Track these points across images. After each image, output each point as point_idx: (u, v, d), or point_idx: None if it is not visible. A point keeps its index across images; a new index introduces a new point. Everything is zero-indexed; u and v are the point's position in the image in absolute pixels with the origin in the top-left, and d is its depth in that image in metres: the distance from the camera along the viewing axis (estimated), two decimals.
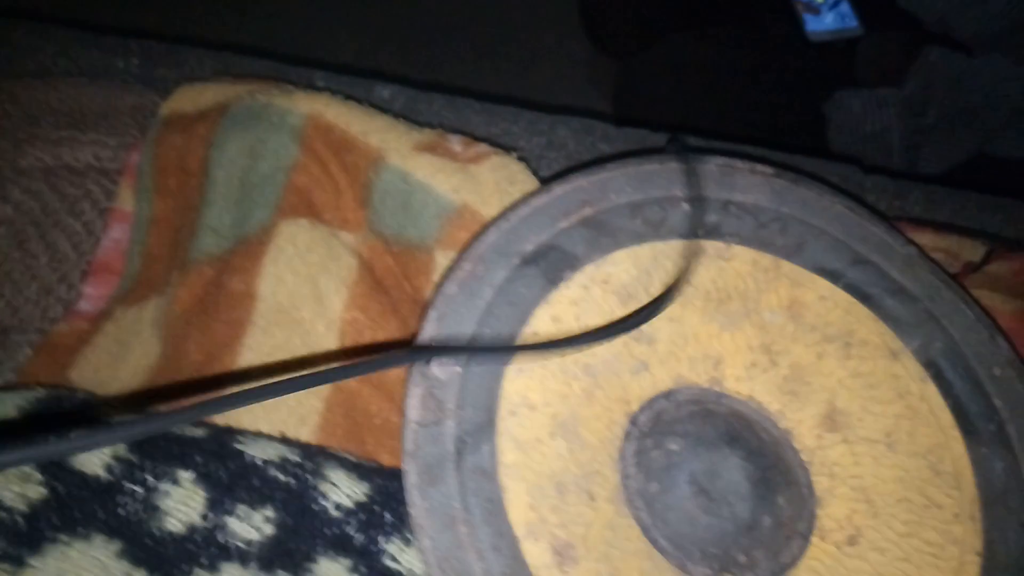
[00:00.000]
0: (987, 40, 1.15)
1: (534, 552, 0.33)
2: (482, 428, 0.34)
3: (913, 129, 1.13)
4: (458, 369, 0.35)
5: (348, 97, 0.55)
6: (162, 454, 0.36)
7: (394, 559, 0.36)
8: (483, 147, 0.48)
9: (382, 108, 0.57)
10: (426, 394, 0.34)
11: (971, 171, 1.18)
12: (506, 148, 0.57)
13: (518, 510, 0.34)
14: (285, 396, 0.41)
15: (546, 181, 0.42)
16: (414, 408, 0.34)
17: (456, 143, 0.47)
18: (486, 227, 0.39)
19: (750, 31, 1.24)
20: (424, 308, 0.37)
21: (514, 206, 0.40)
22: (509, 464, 0.35)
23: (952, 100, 1.13)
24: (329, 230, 0.46)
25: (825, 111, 1.19)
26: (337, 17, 1.13)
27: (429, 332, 0.36)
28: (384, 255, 0.46)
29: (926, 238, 0.50)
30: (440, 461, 0.33)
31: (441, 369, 0.35)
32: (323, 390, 0.42)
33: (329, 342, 0.43)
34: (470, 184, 0.45)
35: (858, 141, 1.15)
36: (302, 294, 0.44)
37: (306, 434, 0.41)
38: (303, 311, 0.43)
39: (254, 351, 0.42)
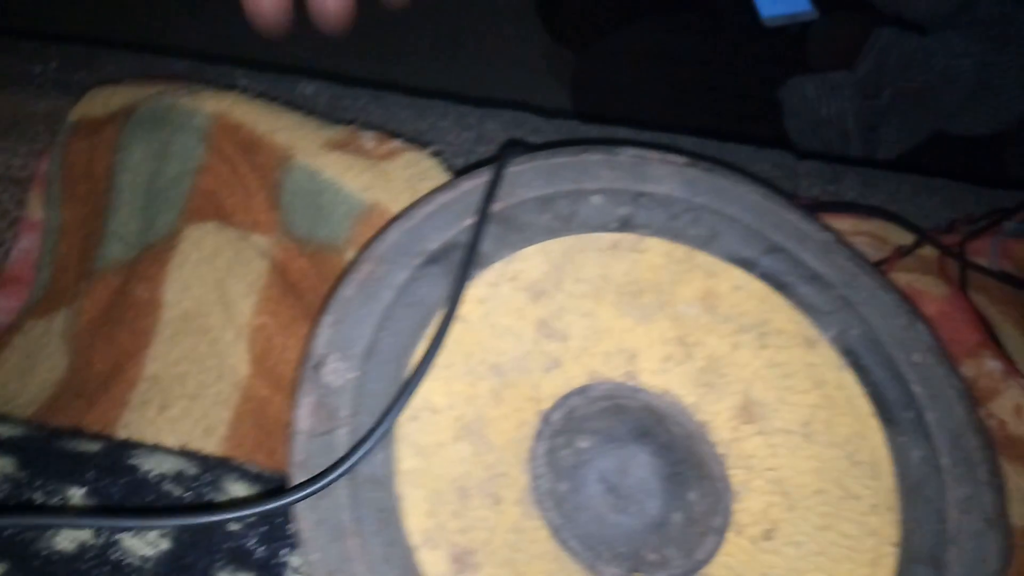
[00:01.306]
0: (940, 18, 1.14)
1: (431, 561, 0.32)
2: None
3: (868, 112, 1.12)
4: (353, 375, 0.34)
5: (263, 95, 0.53)
6: (53, 471, 0.35)
7: (296, 571, 0.35)
8: (396, 143, 0.46)
9: (304, 106, 0.56)
10: (318, 403, 0.33)
11: (929, 153, 1.18)
12: (426, 144, 0.56)
13: (415, 518, 0.33)
14: (191, 408, 0.41)
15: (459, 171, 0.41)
16: (304, 418, 0.33)
17: (369, 140, 0.46)
18: (387, 225, 0.38)
19: (706, 18, 1.23)
20: (318, 313, 0.36)
21: (418, 203, 0.39)
22: (407, 471, 0.34)
23: (906, 80, 1.12)
24: (239, 233, 0.44)
25: (780, 97, 1.18)
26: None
27: (323, 338, 0.35)
28: (298, 257, 0.45)
29: (849, 223, 0.49)
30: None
31: (334, 376, 0.34)
32: (232, 399, 0.41)
33: (238, 349, 0.42)
34: (380, 182, 0.44)
35: (814, 126, 1.14)
36: (209, 300, 0.42)
37: (212, 445, 0.40)
38: (210, 318, 0.42)
39: (159, 361, 0.41)
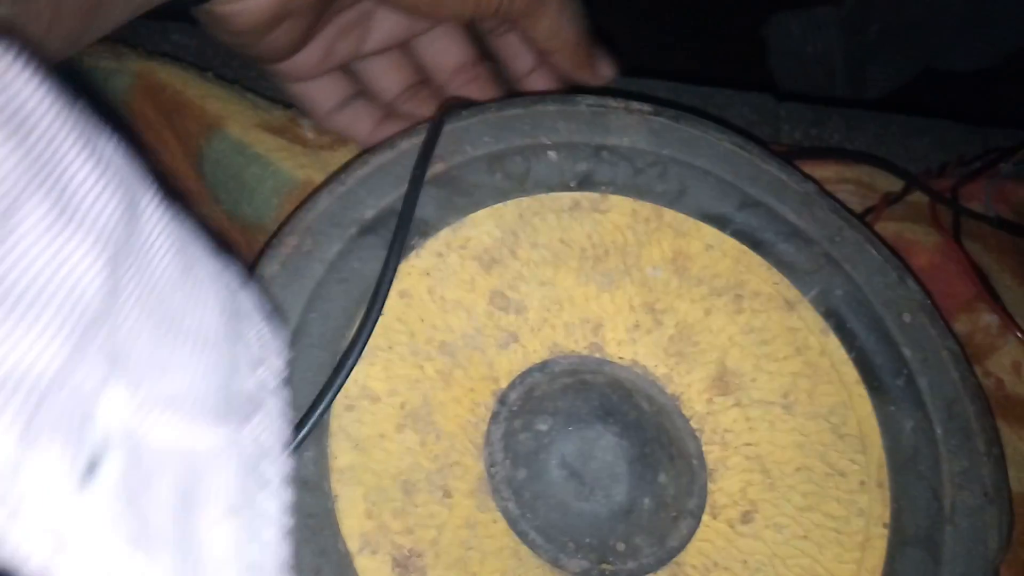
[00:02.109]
0: None
1: (370, 568, 0.29)
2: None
3: (856, 48, 1.07)
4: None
5: (197, 55, 0.49)
6: None
7: None
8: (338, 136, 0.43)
9: (245, 63, 0.52)
10: None
11: (920, 91, 1.13)
12: None
13: (352, 520, 0.30)
14: None
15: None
16: None
17: (309, 129, 0.42)
18: (315, 192, 0.34)
19: None
20: None
21: (349, 166, 0.35)
22: (343, 468, 0.30)
23: (894, 15, 1.08)
24: None
25: (764, 35, 1.13)
26: None
27: None
28: (231, 231, 0.41)
29: (832, 171, 0.46)
30: None
31: None
32: None
33: None
34: (318, 163, 0.40)
35: (800, 65, 1.09)
36: None
37: None
38: None
39: None
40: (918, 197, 0.48)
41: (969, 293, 0.45)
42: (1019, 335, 0.43)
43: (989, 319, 0.45)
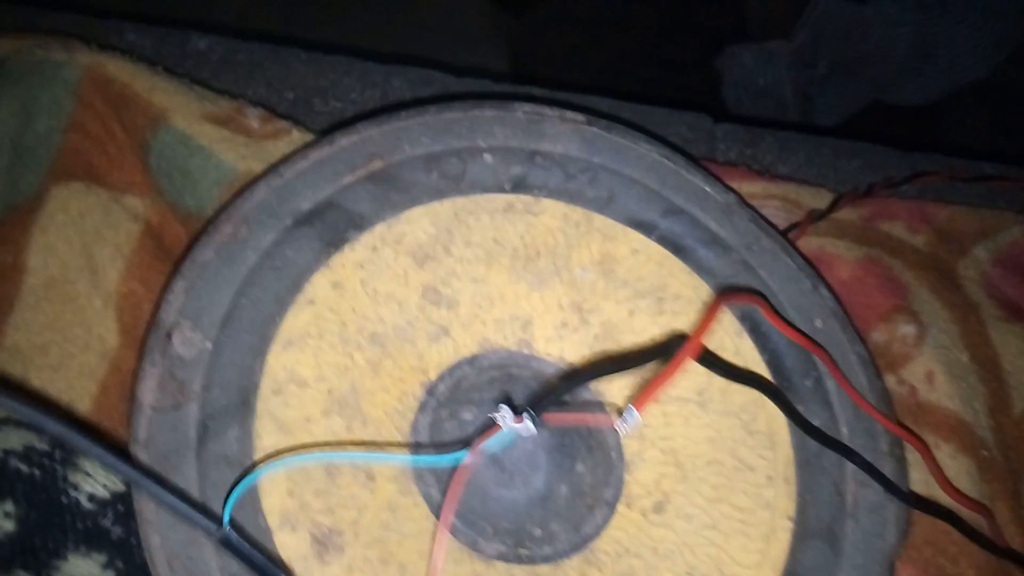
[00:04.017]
0: None
1: (289, 543, 0.30)
2: (231, 411, 0.31)
3: (805, 81, 1.11)
4: (207, 345, 0.32)
5: (152, 50, 0.50)
6: None
7: None
8: (283, 123, 0.44)
9: (196, 61, 0.53)
10: (165, 375, 0.31)
11: (867, 122, 1.17)
12: (325, 102, 0.53)
13: (273, 498, 0.31)
14: (53, 380, 0.38)
15: (327, 131, 0.38)
16: (149, 391, 0.30)
17: (254, 119, 0.44)
18: (252, 183, 0.35)
19: None
20: (168, 278, 0.33)
21: (288, 159, 0.36)
22: (267, 448, 0.31)
23: (843, 50, 1.11)
24: (110, 195, 0.41)
25: (718, 66, 1.16)
26: None
27: (174, 305, 0.32)
28: (172, 222, 0.42)
29: (760, 187, 0.48)
30: (177, 449, 0.30)
31: (185, 347, 0.31)
32: (99, 370, 0.39)
33: (106, 318, 0.39)
34: (260, 155, 0.41)
35: (751, 96, 1.13)
36: (76, 266, 0.39)
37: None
38: (77, 284, 0.39)
39: (22, 330, 0.38)
40: (843, 214, 0.51)
41: (889, 305, 0.47)
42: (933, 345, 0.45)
43: (906, 330, 0.47)
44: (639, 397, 0.30)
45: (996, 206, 0.55)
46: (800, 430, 0.36)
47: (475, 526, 0.34)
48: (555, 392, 0.32)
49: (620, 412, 0.30)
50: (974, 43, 1.13)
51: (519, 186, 0.39)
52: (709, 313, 0.33)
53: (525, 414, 0.29)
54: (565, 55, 1.17)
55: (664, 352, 0.32)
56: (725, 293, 0.38)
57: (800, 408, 0.37)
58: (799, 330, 0.37)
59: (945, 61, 1.14)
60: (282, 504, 0.31)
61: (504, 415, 0.29)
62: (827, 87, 1.13)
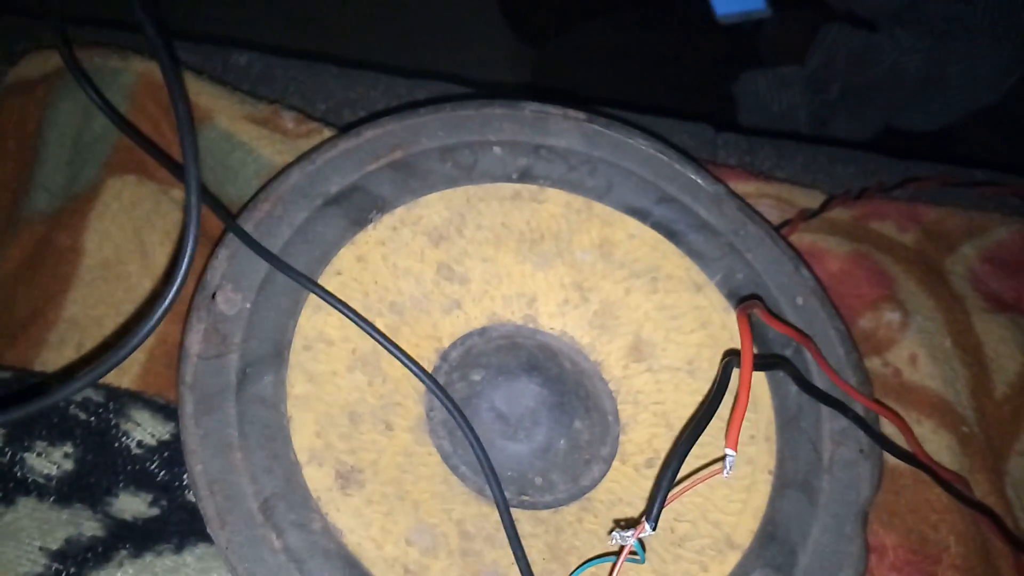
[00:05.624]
0: (888, 15, 1.16)
1: (316, 476, 0.34)
2: (267, 361, 0.35)
3: (818, 106, 1.14)
4: (247, 305, 0.36)
5: (197, 65, 0.55)
6: None
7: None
8: (316, 124, 0.49)
9: (237, 74, 0.58)
10: (210, 328, 0.35)
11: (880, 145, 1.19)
12: (339, 127, 0.58)
13: (302, 438, 0.35)
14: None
15: (354, 125, 0.43)
16: (196, 342, 0.35)
17: (290, 120, 0.48)
18: (288, 168, 0.40)
19: (663, 16, 1.25)
20: (213, 246, 0.37)
21: (320, 147, 0.41)
22: (298, 395, 0.35)
23: (855, 76, 1.15)
24: (159, 187, 0.46)
25: (734, 92, 1.20)
26: None
27: (218, 270, 0.36)
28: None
29: (754, 186, 0.51)
30: (219, 391, 0.34)
31: (227, 305, 0.36)
32: (147, 342, 0.43)
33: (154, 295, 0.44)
34: (294, 151, 0.46)
35: (766, 121, 1.16)
36: (128, 249, 0.44)
37: (126, 383, 0.41)
38: (129, 265, 0.44)
39: (78, 304, 0.43)
40: (834, 214, 0.54)
41: (875, 294, 0.50)
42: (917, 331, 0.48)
43: (891, 316, 0.50)
44: (730, 436, 0.33)
45: (985, 209, 0.58)
46: (808, 395, 0.39)
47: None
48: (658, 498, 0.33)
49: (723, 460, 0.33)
50: (984, 69, 1.16)
51: (525, 176, 0.43)
52: (743, 330, 0.36)
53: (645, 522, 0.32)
54: (582, 79, 1.22)
55: (724, 380, 0.36)
56: (740, 305, 0.41)
57: (780, 375, 0.41)
58: (790, 324, 0.40)
59: (956, 87, 1.17)
60: (310, 443, 0.35)
61: (627, 535, 0.32)
62: (840, 112, 1.17)
